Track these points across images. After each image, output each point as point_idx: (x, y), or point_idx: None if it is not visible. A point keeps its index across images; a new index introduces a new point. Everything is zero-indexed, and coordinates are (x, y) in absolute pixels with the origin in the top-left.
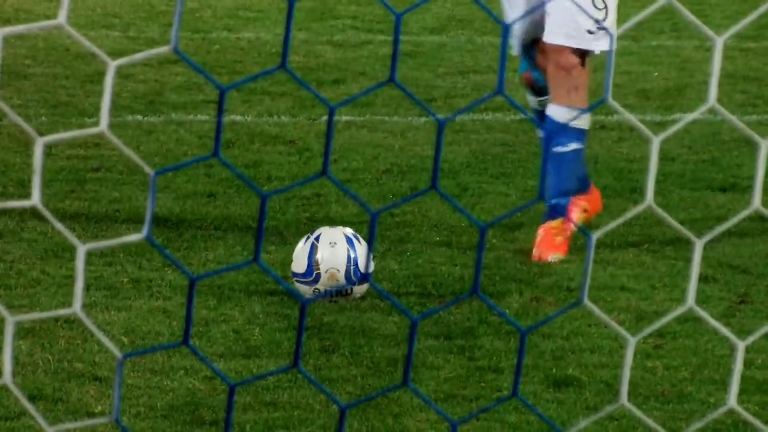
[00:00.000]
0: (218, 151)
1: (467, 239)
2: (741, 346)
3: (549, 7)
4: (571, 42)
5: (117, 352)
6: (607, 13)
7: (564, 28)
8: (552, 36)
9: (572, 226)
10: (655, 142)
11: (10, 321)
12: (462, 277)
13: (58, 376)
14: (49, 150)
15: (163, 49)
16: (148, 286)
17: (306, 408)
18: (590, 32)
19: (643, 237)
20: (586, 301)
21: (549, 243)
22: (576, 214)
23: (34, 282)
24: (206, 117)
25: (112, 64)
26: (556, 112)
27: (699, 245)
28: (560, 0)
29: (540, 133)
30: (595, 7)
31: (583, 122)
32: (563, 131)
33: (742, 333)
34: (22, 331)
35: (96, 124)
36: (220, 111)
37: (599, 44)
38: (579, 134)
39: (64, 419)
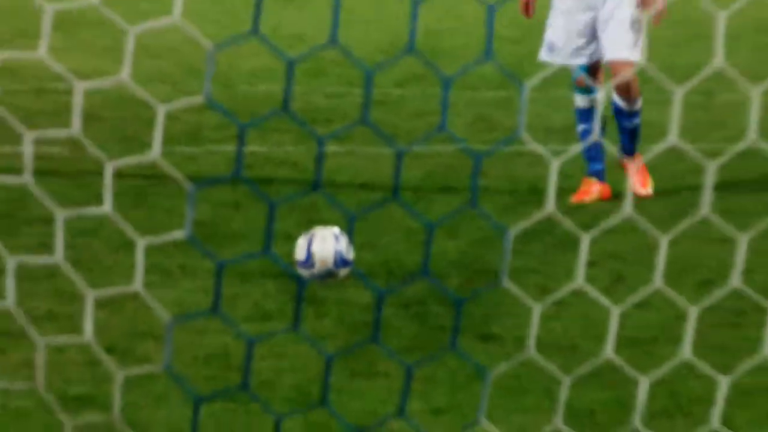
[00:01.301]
0: (239, 171)
1: (421, 237)
2: (615, 312)
3: (608, 26)
4: (629, 55)
5: (168, 318)
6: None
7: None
8: (618, 52)
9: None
10: None
11: (91, 295)
12: (417, 264)
13: (126, 336)
14: (119, 172)
15: (198, 99)
16: (192, 271)
17: (304, 358)
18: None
19: None
20: (505, 282)
21: (645, 175)
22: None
23: (109, 268)
24: (231, 147)
25: (161, 109)
26: (627, 103)
27: (586, 239)
28: (617, 19)
29: (580, 128)
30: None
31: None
32: (632, 114)
33: (617, 302)
34: (101, 303)
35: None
36: (240, 142)
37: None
38: (638, 114)
39: (132, 367)
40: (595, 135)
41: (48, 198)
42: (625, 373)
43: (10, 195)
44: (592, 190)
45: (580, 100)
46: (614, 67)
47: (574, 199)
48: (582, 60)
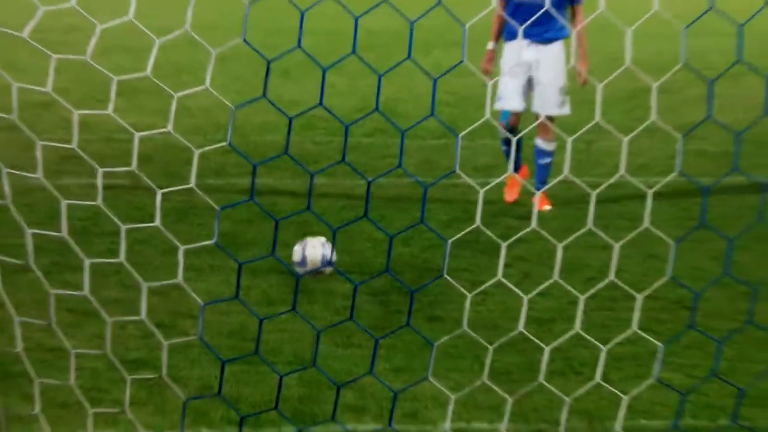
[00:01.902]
0: (253, 196)
1: (384, 245)
2: (525, 299)
3: (536, 79)
4: (559, 111)
5: (201, 303)
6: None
7: (556, 98)
8: (547, 109)
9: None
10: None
11: (145, 286)
12: (382, 264)
13: (171, 316)
14: (165, 197)
15: (223, 144)
16: (218, 269)
17: (300, 332)
18: (563, 102)
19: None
20: (445, 278)
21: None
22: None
23: (158, 267)
24: (247, 180)
25: (196, 153)
26: (546, 144)
27: (503, 247)
28: (547, 79)
29: (504, 149)
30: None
31: (553, 147)
32: (548, 154)
33: (526, 293)
34: (153, 292)
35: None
36: (253, 176)
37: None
38: (553, 154)
39: (174, 338)
40: (511, 165)
41: (114, 216)
42: (533, 343)
43: (86, 214)
44: (516, 182)
45: (503, 134)
46: (543, 119)
47: (508, 199)
48: (520, 108)
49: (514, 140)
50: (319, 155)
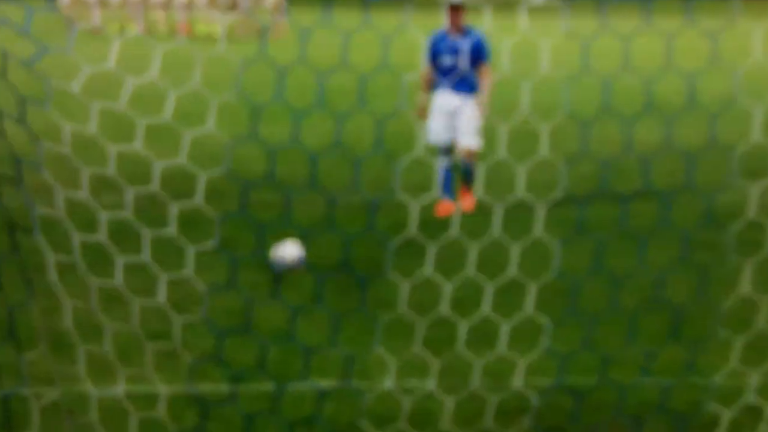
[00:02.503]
0: (245, 210)
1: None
2: (449, 287)
3: (457, 120)
4: (475, 143)
5: (204, 288)
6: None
7: (472, 133)
8: (465, 138)
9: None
10: None
11: (164, 277)
12: (341, 262)
13: (182, 297)
14: (180, 212)
15: (222, 170)
16: (217, 266)
17: (279, 311)
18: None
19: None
20: (389, 273)
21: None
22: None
23: (176, 262)
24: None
25: (203, 179)
26: (469, 162)
27: (433, 249)
28: (465, 117)
29: (440, 176)
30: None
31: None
32: (470, 165)
33: (449, 279)
34: (171, 282)
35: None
36: (245, 197)
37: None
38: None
39: (185, 315)
40: (441, 188)
41: (140, 226)
42: (451, 320)
43: (116, 227)
44: (446, 206)
45: (440, 161)
46: (464, 148)
47: (442, 212)
48: (447, 141)
49: (445, 163)
50: (297, 181)
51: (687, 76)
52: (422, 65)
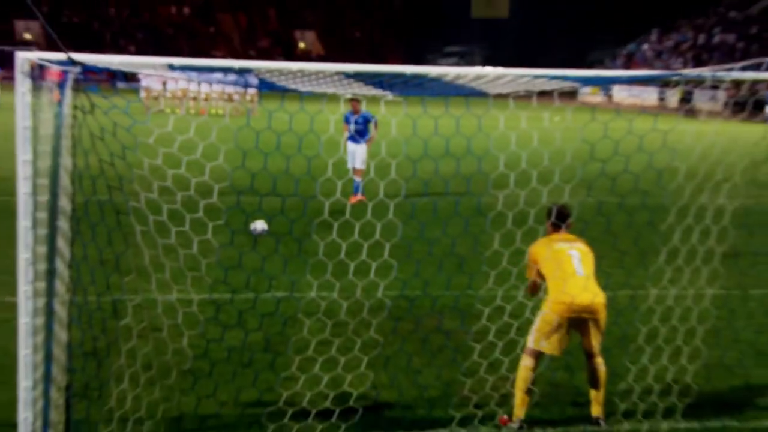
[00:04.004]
0: (239, 205)
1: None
2: (344, 245)
3: (356, 156)
4: (363, 167)
5: (217, 246)
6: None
7: (362, 162)
8: (358, 164)
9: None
10: None
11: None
12: (289, 229)
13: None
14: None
15: (226, 184)
16: (222, 230)
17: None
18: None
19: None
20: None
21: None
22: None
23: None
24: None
25: (216, 187)
26: (358, 178)
27: (335, 225)
28: (358, 154)
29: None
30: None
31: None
32: (359, 182)
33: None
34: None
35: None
36: (238, 199)
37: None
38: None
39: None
40: (356, 190)
41: (184, 212)
42: (346, 261)
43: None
44: (352, 197)
45: (350, 162)
46: (357, 170)
47: (351, 202)
48: (352, 166)
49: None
50: (265, 190)
51: (468, 138)
52: (340, 126)
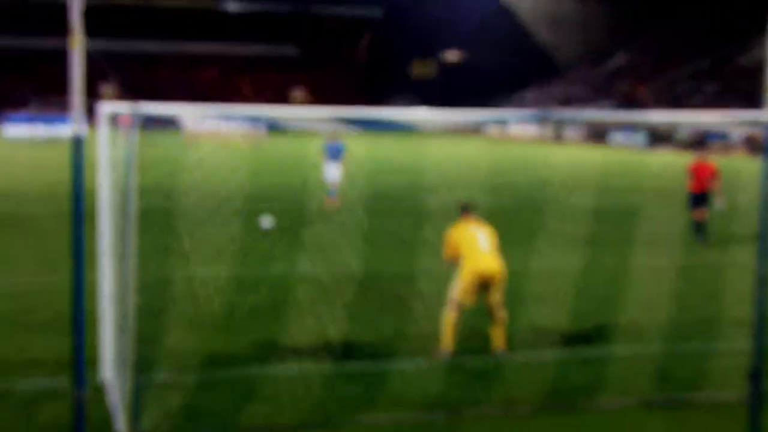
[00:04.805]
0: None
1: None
2: (311, 235)
3: (334, 175)
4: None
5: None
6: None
7: (337, 176)
8: (335, 178)
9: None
10: None
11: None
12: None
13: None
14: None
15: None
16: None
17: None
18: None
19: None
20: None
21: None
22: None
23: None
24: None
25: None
26: (334, 187)
27: (318, 221)
28: (335, 170)
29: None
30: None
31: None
32: (335, 187)
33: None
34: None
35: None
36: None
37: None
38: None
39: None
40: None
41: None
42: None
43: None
44: (331, 201)
45: (330, 187)
46: (334, 181)
47: (328, 207)
48: (332, 175)
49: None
50: (269, 196)
51: (412, 158)
52: (320, 151)
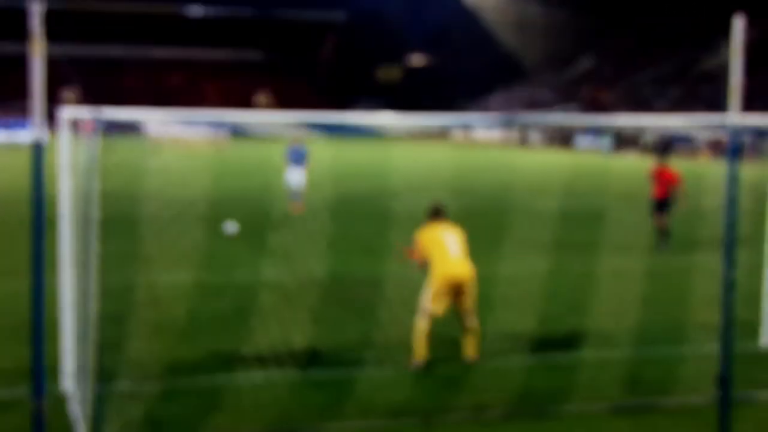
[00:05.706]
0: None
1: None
2: (280, 237)
3: (297, 180)
4: (304, 184)
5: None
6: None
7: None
8: (299, 183)
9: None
10: None
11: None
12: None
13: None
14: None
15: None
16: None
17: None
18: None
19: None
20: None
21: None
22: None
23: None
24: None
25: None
26: (299, 190)
27: (285, 223)
28: (298, 174)
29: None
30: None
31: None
32: (299, 191)
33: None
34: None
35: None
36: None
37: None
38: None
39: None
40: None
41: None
42: (284, 246)
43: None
44: (295, 206)
45: (292, 190)
46: (297, 186)
47: (293, 212)
48: (295, 180)
49: (295, 191)
50: (233, 198)
51: (376, 162)
52: (284, 158)
